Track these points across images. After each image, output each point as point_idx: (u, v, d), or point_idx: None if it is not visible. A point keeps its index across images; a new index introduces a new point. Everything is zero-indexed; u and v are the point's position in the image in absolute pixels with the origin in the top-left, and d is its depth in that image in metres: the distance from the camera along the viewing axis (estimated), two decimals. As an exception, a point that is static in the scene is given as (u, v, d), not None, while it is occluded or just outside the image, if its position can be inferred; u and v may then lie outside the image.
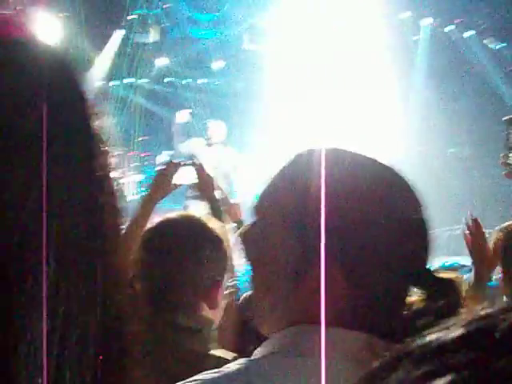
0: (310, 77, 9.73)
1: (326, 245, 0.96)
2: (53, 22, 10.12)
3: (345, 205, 1.04)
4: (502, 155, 1.89)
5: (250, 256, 1.17)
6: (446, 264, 5.02)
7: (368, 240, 1.04)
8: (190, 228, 2.06)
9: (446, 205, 9.31)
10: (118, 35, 11.51)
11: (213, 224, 2.13)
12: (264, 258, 1.13)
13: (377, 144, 9.14)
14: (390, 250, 1.05)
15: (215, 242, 2.04)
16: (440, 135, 10.83)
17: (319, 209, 0.97)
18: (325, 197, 0.97)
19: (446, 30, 11.11)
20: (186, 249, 1.99)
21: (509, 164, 1.86)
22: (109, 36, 11.37)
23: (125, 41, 11.56)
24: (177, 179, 2.97)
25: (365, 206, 1.04)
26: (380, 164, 1.12)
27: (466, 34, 10.94)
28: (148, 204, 2.84)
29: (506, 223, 2.91)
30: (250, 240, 1.17)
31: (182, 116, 10.19)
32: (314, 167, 1.04)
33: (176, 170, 2.96)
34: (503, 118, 1.83)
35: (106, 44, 11.41)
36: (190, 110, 10.60)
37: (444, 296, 1.02)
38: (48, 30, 10.19)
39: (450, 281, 1.06)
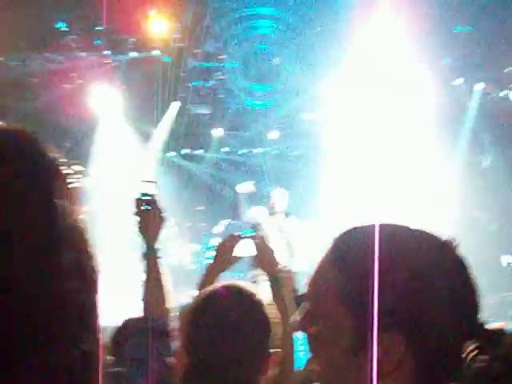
0: (367, 144, 9.81)
1: (384, 318, 1.03)
2: (113, 94, 10.35)
3: (400, 279, 1.07)
4: None
5: (309, 333, 1.18)
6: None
7: (425, 311, 1.07)
8: (235, 303, 2.04)
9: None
10: (174, 107, 11.67)
11: (257, 296, 2.10)
12: (323, 336, 1.14)
13: (432, 211, 9.18)
14: (445, 317, 1.08)
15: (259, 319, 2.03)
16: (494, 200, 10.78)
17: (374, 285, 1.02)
18: (380, 273, 1.02)
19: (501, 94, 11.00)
20: (231, 325, 1.97)
21: None
22: (166, 108, 11.53)
23: (181, 112, 11.71)
24: (238, 251, 2.94)
25: (419, 281, 1.08)
26: (433, 238, 1.16)
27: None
28: (211, 275, 2.83)
29: None
30: (307, 320, 1.18)
31: (247, 187, 10.28)
32: (369, 243, 1.07)
33: (237, 242, 2.94)
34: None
35: (163, 116, 11.59)
36: (254, 182, 10.68)
37: (496, 343, 1.03)
38: (108, 101, 10.46)
39: (499, 330, 1.08)
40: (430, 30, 8.92)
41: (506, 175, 10.70)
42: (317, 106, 11.46)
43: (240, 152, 13.09)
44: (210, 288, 2.14)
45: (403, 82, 9.84)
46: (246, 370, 1.96)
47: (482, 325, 1.10)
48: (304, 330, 1.18)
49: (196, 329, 2.00)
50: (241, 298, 2.04)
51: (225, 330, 1.95)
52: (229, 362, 1.92)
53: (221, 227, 10.61)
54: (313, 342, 1.17)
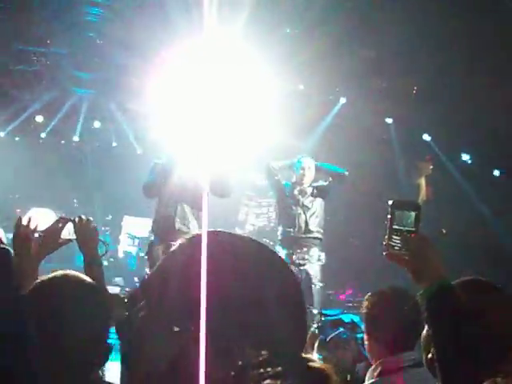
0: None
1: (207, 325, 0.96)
2: None
3: (224, 283, 1.03)
4: (385, 237, 2.11)
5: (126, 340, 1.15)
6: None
7: (245, 318, 1.01)
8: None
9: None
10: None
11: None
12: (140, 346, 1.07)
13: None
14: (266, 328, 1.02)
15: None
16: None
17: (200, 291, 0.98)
18: (207, 277, 0.98)
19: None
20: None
21: (392, 246, 2.09)
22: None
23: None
24: (66, 234, 2.99)
25: (243, 284, 1.04)
26: (258, 244, 1.14)
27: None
28: (39, 256, 2.85)
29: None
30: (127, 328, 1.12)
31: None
32: (197, 250, 1.03)
33: (65, 225, 2.99)
34: (388, 202, 2.08)
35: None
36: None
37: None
38: None
39: (321, 370, 1.03)
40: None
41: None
42: (143, 97, 11.52)
43: (62, 141, 12.87)
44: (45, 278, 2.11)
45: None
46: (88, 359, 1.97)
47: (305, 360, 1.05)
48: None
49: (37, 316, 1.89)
50: (76, 285, 2.07)
51: (61, 318, 1.90)
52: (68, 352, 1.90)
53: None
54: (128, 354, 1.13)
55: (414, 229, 2.14)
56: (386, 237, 2.15)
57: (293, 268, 6.53)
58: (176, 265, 1.08)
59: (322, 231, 7.02)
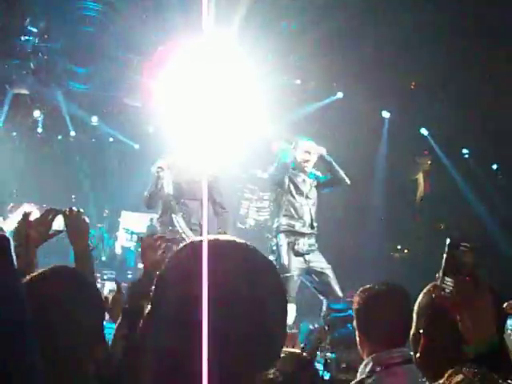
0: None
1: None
2: None
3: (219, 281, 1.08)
4: (437, 276, 1.98)
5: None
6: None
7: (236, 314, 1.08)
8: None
9: None
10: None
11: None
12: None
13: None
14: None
15: None
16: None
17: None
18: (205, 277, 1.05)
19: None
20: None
21: (443, 289, 1.95)
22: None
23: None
24: (56, 225, 2.94)
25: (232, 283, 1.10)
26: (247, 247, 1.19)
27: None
28: (28, 249, 2.78)
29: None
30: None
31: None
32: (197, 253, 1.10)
33: (55, 217, 2.93)
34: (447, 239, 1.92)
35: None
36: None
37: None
38: None
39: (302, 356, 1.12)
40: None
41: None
42: (140, 93, 11.50)
43: (59, 136, 12.85)
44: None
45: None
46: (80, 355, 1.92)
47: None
48: None
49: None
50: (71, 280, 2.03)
51: (56, 313, 1.88)
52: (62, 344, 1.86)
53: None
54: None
55: (469, 271, 1.88)
56: (440, 277, 2.00)
57: (297, 258, 6.47)
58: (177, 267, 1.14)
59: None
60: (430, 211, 12.35)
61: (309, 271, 6.51)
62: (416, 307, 2.06)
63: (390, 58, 10.33)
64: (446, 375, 1.55)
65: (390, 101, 11.59)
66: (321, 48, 10.21)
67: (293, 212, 6.67)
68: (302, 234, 6.58)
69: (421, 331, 1.99)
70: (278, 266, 6.09)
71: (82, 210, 2.99)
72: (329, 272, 6.50)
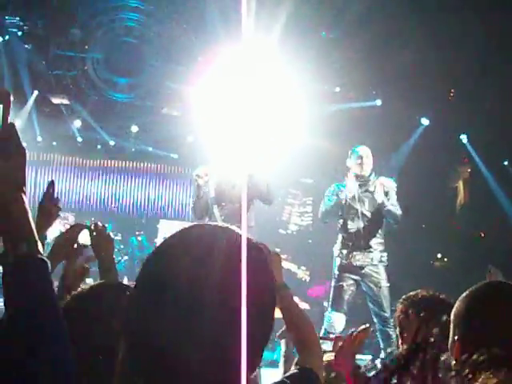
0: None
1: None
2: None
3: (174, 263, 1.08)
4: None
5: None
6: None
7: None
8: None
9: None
10: (33, 95, 11.37)
11: None
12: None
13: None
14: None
15: None
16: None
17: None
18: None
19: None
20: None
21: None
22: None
23: (41, 101, 11.44)
24: (83, 240, 3.00)
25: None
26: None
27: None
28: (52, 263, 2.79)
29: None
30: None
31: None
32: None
33: (80, 231, 2.99)
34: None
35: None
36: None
37: None
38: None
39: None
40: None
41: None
42: (180, 102, 11.60)
43: (99, 146, 12.99)
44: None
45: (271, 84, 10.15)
46: None
47: None
48: None
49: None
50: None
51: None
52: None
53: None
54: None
55: None
56: None
57: (349, 275, 6.39)
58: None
59: (382, 235, 6.51)
60: (468, 219, 12.22)
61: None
62: (452, 316, 2.04)
63: (430, 64, 10.29)
64: (480, 380, 1.58)
65: (428, 108, 11.53)
66: (360, 56, 10.22)
67: (347, 234, 6.52)
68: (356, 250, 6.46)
69: (456, 338, 1.98)
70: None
71: (106, 225, 3.07)
72: (381, 292, 6.33)
